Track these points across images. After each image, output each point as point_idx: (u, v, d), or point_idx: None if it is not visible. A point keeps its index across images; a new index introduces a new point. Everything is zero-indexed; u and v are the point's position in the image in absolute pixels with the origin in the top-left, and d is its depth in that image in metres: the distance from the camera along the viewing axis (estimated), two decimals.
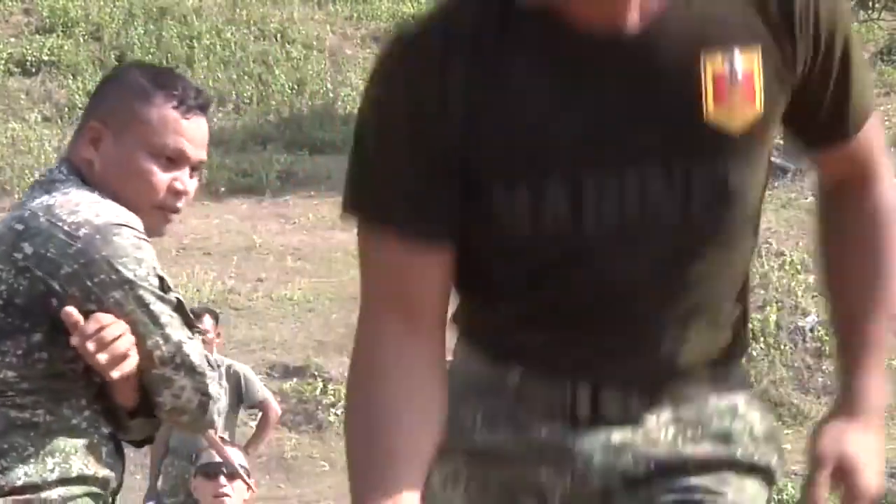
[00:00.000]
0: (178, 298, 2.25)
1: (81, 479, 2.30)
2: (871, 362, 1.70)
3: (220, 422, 2.42)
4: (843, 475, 1.59)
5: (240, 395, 6.88)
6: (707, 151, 1.60)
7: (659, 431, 1.72)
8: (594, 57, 1.60)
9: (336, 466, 10.19)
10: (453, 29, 1.60)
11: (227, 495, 4.28)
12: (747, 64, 1.59)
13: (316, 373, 11.22)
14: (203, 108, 2.35)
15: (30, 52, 21.17)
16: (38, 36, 21.75)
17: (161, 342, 2.19)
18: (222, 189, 17.30)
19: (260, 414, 7.36)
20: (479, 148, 1.62)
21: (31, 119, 18.59)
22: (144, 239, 2.22)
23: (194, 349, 2.24)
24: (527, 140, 1.61)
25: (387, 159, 1.70)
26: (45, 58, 21.04)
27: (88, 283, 2.13)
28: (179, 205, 2.34)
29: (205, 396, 2.25)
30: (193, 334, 2.27)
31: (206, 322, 6.89)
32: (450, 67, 1.58)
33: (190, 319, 2.26)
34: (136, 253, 2.19)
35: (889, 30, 26.45)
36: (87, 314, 2.16)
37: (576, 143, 1.60)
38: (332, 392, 10.96)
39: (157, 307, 2.19)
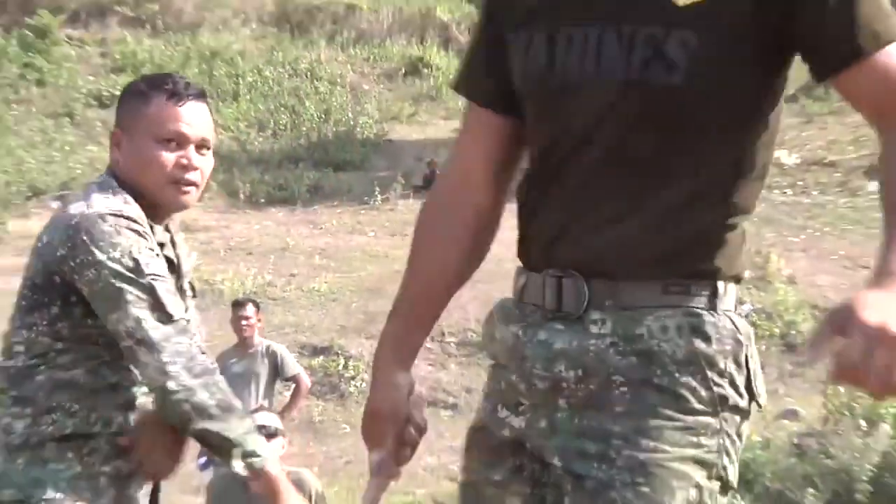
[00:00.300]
0: (151, 283, 2.15)
1: (120, 433, 2.26)
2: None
3: (204, 423, 2.19)
4: (850, 314, 1.19)
5: (276, 370, 6.85)
6: (651, 19, 1.52)
7: (596, 340, 1.58)
8: None
9: (356, 429, 10.11)
10: None
11: None
12: None
13: (339, 352, 11.14)
14: (195, 95, 2.30)
15: (105, 88, 21.10)
16: (112, 75, 21.69)
17: (123, 317, 2.12)
18: (262, 200, 17.25)
19: (293, 385, 7.31)
20: (499, 9, 1.75)
21: (105, 144, 18.52)
22: (132, 228, 2.17)
23: (157, 329, 2.13)
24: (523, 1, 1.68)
25: (469, 44, 1.94)
26: (117, 93, 20.94)
27: (72, 264, 2.12)
28: (189, 177, 2.26)
29: (164, 377, 2.13)
30: (169, 321, 2.16)
31: (249, 309, 6.86)
32: None
33: (161, 305, 2.15)
34: (114, 238, 2.14)
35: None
36: (81, 293, 2.17)
37: (553, 5, 1.62)
38: (352, 367, 10.90)
39: (123, 286, 2.12)
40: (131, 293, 2.13)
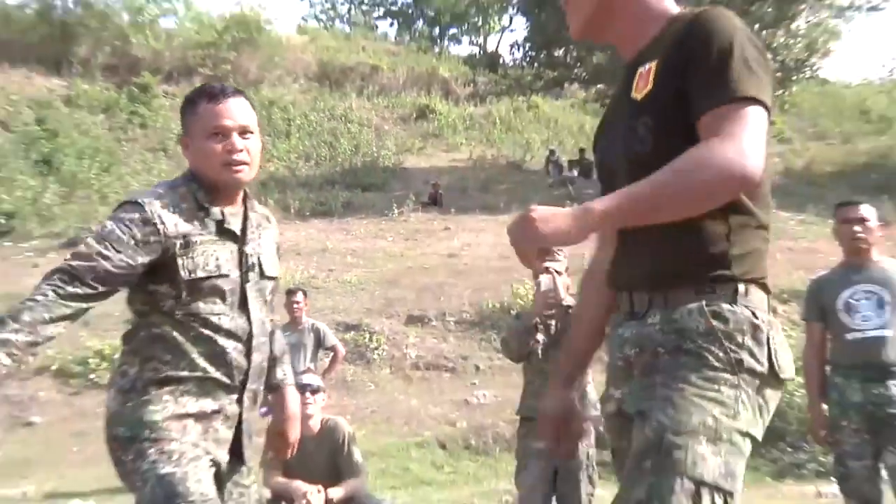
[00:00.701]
0: (92, 239, 2.11)
1: (205, 377, 2.21)
2: (616, 193, 1.56)
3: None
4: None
5: (319, 342, 6.88)
6: (630, 113, 1.74)
7: (648, 328, 1.72)
8: (623, 77, 1.85)
9: (378, 386, 10.17)
10: None
11: (310, 404, 4.23)
12: (651, 65, 1.71)
13: (365, 328, 11.10)
14: (230, 94, 2.28)
15: None
16: None
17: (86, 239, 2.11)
18: (307, 213, 17.22)
19: (332, 354, 7.33)
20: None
21: None
22: (138, 213, 2.12)
23: (81, 245, 2.10)
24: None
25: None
26: None
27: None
28: (237, 157, 2.21)
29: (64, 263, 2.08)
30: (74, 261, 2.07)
31: (299, 296, 6.90)
32: None
33: (82, 254, 2.07)
34: (117, 212, 2.15)
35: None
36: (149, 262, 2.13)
37: (600, 127, 1.95)
38: (375, 340, 10.86)
39: (91, 237, 2.12)
40: (90, 239, 2.11)
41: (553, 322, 3.97)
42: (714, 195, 1.54)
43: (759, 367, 1.64)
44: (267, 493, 4.41)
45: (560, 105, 27.49)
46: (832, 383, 4.10)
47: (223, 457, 2.25)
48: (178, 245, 2.15)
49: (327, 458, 4.44)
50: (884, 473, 3.93)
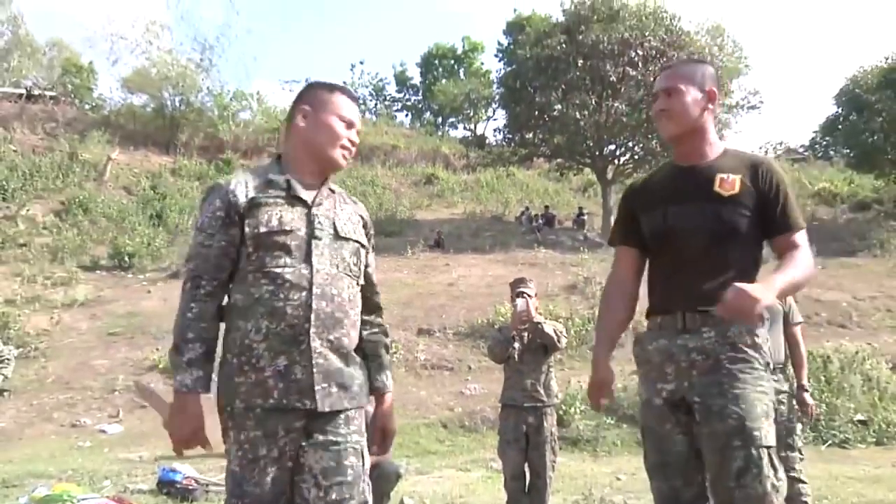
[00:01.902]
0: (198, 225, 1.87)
1: (274, 336, 1.82)
2: (783, 273, 1.83)
3: None
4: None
5: None
6: (711, 198, 1.92)
7: (706, 340, 1.88)
8: (680, 171, 2.02)
9: (396, 382, 10.04)
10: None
11: None
12: (735, 177, 1.93)
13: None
14: (357, 100, 2.07)
15: None
16: None
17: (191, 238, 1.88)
18: None
19: None
20: (635, 203, 2.10)
21: None
22: (216, 194, 1.87)
23: (190, 247, 1.87)
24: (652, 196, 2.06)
25: (615, 222, 2.21)
26: None
27: None
28: (349, 145, 1.98)
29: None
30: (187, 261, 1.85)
31: None
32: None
33: (192, 254, 1.83)
34: (203, 203, 1.90)
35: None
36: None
37: (660, 197, 2.02)
38: (394, 347, 10.55)
39: (193, 234, 1.86)
40: (195, 230, 1.89)
41: (525, 334, 3.98)
42: (807, 284, 1.96)
43: (770, 367, 1.92)
44: None
45: (530, 174, 27.62)
46: None
47: (311, 402, 1.78)
48: (245, 208, 1.82)
49: None
50: None
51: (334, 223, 1.92)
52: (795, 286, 1.88)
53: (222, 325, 1.85)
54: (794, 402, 3.94)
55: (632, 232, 2.08)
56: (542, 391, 3.92)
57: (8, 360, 9.61)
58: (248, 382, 1.76)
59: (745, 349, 1.86)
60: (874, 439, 7.72)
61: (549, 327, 3.91)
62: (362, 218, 2.07)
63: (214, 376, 1.82)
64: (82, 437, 8.24)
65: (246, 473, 1.74)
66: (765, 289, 1.73)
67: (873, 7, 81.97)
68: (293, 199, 1.87)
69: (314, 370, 1.79)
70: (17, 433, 8.41)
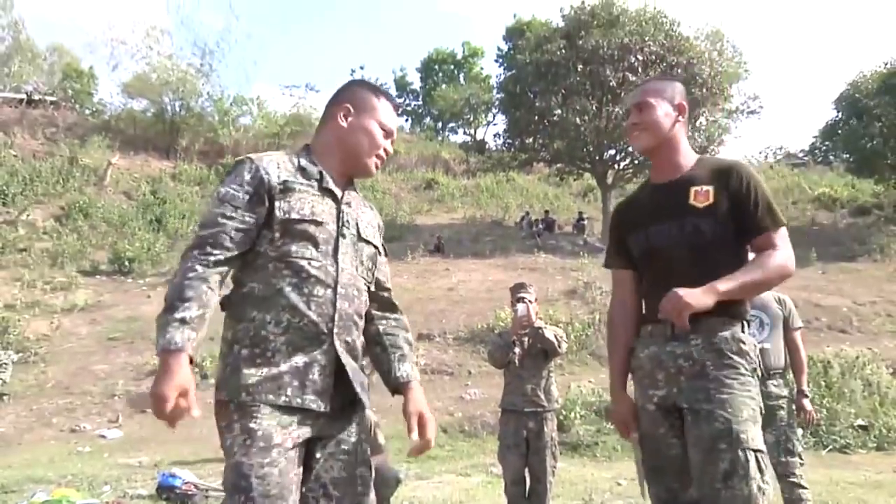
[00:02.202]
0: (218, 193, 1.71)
1: (291, 329, 1.71)
2: (733, 276, 1.88)
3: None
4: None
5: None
6: (688, 212, 1.96)
7: (693, 347, 1.92)
8: (657, 189, 2.07)
9: None
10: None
11: None
12: (708, 188, 1.96)
13: None
14: (399, 111, 2.00)
15: None
16: None
17: (207, 207, 1.72)
18: None
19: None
20: (623, 226, 2.13)
21: None
22: (246, 168, 1.73)
23: (204, 215, 1.69)
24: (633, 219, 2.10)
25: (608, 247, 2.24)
26: None
27: None
28: (384, 155, 1.90)
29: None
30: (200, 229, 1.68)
31: None
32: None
33: (207, 222, 1.67)
34: (229, 175, 1.75)
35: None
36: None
37: (642, 219, 2.05)
38: None
39: (210, 203, 1.69)
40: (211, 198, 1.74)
41: (526, 339, 3.98)
42: (779, 282, 1.95)
43: (757, 372, 1.94)
44: None
45: (530, 178, 27.63)
46: None
47: (325, 405, 1.68)
48: (277, 189, 1.70)
49: None
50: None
51: (357, 224, 1.85)
52: (754, 286, 1.91)
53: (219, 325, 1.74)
54: (794, 407, 3.94)
55: (623, 254, 2.14)
56: (542, 396, 3.91)
57: (6, 364, 9.60)
58: (260, 376, 1.63)
59: (731, 355, 1.90)
60: (875, 444, 7.71)
61: (549, 332, 3.92)
62: (379, 226, 2.00)
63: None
64: (82, 442, 8.23)
65: (255, 462, 1.57)
66: (702, 294, 1.82)
67: (873, 12, 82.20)
68: (325, 192, 1.78)
69: (348, 375, 1.71)
70: (16, 438, 8.41)
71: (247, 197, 1.69)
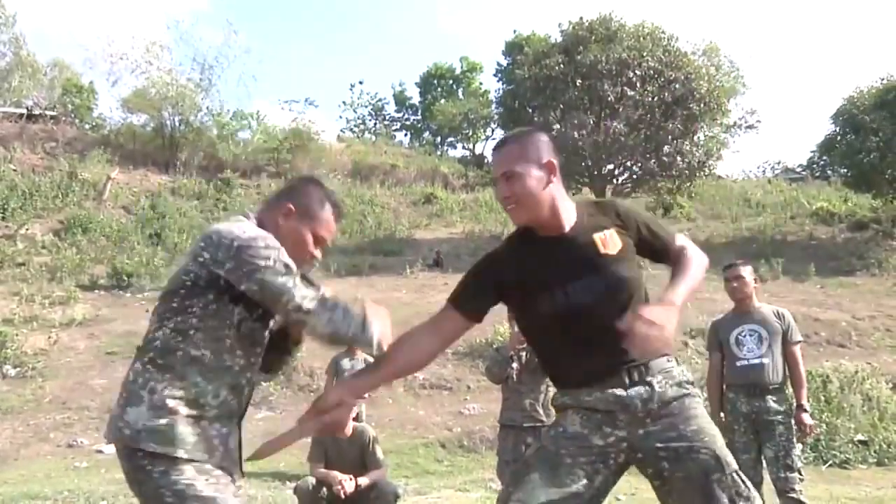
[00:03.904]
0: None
1: (225, 407, 1.82)
2: (669, 288, 1.89)
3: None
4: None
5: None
6: (604, 262, 1.89)
7: (658, 385, 1.87)
8: (553, 243, 1.92)
9: (395, 401, 10.04)
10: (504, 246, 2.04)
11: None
12: (610, 232, 1.93)
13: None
14: (342, 218, 2.07)
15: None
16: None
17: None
18: (343, 272, 17.17)
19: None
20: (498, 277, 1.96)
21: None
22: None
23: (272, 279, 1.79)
24: (536, 277, 1.91)
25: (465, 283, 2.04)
26: None
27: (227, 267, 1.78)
28: (314, 261, 1.98)
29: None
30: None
31: None
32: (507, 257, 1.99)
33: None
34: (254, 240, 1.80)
35: None
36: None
37: (552, 277, 1.89)
38: None
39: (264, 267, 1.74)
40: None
41: (524, 354, 3.99)
42: (703, 274, 1.99)
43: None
44: (312, 480, 4.37)
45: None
46: (727, 398, 4.11)
47: (237, 478, 1.83)
48: None
49: (357, 454, 4.42)
50: (764, 462, 3.93)
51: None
52: (696, 286, 1.94)
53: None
54: (793, 422, 3.94)
55: (484, 303, 1.98)
56: (540, 411, 3.92)
57: None
58: (195, 435, 1.72)
59: (688, 385, 1.91)
60: (875, 460, 7.69)
61: None
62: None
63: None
64: (79, 458, 8.19)
65: (225, 496, 1.70)
66: (667, 312, 1.77)
67: (870, 29, 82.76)
68: None
69: (241, 447, 1.88)
70: (12, 453, 8.36)
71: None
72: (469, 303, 1.97)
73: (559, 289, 1.87)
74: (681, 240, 2.04)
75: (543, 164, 1.90)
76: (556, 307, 1.88)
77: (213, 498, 1.68)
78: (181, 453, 1.68)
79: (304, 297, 1.75)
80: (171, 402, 1.72)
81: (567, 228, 1.93)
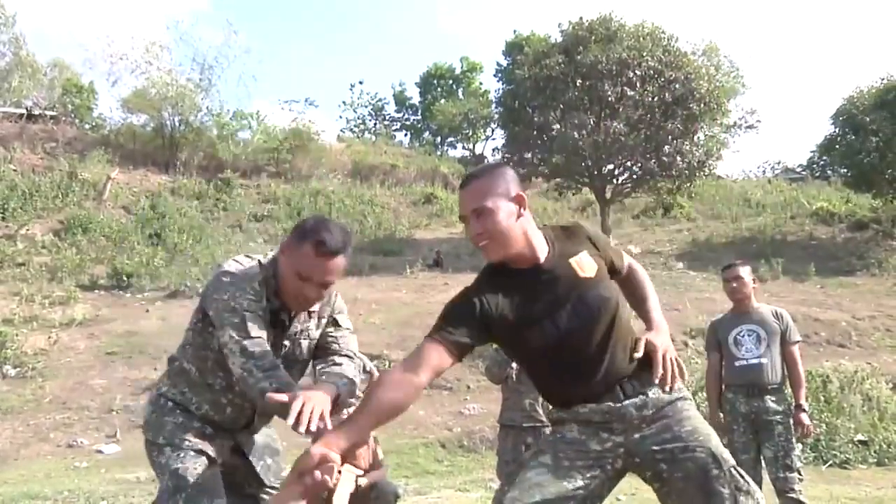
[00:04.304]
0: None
1: (205, 416, 2.11)
2: (652, 312, 2.05)
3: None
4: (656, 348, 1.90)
5: (363, 369, 6.84)
6: (585, 286, 1.89)
7: (652, 392, 1.92)
8: (531, 276, 1.89)
9: None
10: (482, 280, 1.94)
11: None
12: (583, 254, 1.95)
13: (385, 358, 10.97)
14: (332, 253, 2.00)
15: (259, 212, 21.18)
16: (263, 203, 21.82)
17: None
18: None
19: (369, 375, 7.28)
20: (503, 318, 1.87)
21: (260, 242, 18.63)
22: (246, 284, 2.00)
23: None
24: (521, 312, 1.88)
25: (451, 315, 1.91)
26: (266, 214, 21.16)
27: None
28: (307, 303, 2.06)
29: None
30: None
31: None
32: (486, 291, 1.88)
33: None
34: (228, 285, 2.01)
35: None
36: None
37: (539, 311, 1.87)
38: (391, 366, 10.75)
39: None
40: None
41: None
42: None
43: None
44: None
45: (529, 193, 27.34)
46: (726, 398, 4.11)
47: (227, 458, 2.15)
48: None
49: None
50: (763, 462, 3.94)
51: (300, 344, 2.14)
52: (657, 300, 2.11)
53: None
54: (792, 422, 3.95)
55: (475, 337, 1.87)
56: (540, 411, 3.92)
57: None
58: (176, 424, 2.07)
59: (680, 389, 1.95)
60: (875, 460, 7.69)
61: None
62: (330, 315, 2.24)
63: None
64: (79, 458, 8.20)
65: (189, 465, 1.98)
66: (662, 336, 1.94)
67: (870, 29, 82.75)
68: (275, 323, 2.03)
69: (245, 455, 2.23)
70: (12, 454, 8.37)
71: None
72: (452, 334, 1.85)
73: (548, 320, 1.84)
74: (626, 258, 2.14)
75: (513, 197, 1.88)
76: (546, 339, 1.85)
77: (176, 469, 1.99)
78: (167, 439, 2.04)
79: (233, 336, 1.87)
80: (162, 400, 2.11)
81: (542, 259, 1.90)
